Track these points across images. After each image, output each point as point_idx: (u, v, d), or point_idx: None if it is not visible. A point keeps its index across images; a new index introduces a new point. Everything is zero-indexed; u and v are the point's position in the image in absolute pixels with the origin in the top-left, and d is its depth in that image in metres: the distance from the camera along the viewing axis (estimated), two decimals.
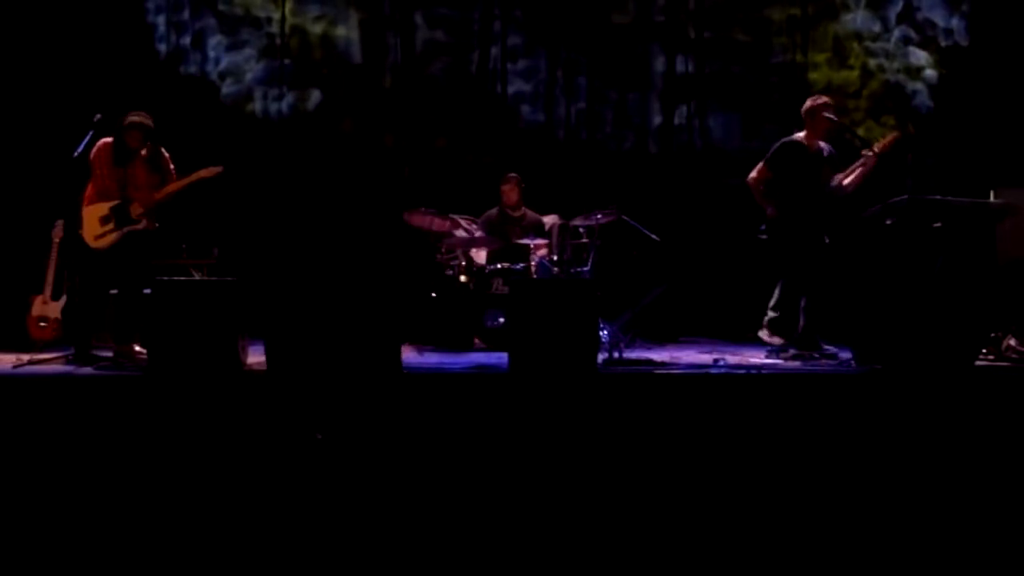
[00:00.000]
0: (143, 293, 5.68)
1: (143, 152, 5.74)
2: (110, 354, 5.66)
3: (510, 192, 7.24)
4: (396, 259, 7.71)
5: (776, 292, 5.92)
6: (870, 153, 5.64)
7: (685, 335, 7.60)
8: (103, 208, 5.67)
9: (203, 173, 5.79)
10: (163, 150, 5.85)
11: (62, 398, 4.59)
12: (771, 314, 5.90)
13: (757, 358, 5.79)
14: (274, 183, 8.10)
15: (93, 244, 5.68)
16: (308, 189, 8.15)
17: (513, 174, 7.30)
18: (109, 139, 5.73)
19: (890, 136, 5.72)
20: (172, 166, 5.86)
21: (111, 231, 5.67)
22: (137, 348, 5.74)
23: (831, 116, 5.72)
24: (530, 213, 7.34)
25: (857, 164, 5.72)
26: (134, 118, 5.70)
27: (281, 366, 4.64)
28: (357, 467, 4.22)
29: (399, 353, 4.88)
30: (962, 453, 4.27)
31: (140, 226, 5.71)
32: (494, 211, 7.30)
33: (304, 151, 8.27)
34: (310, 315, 4.75)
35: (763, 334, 5.92)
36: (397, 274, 7.48)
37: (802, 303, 5.78)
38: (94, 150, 5.68)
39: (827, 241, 5.76)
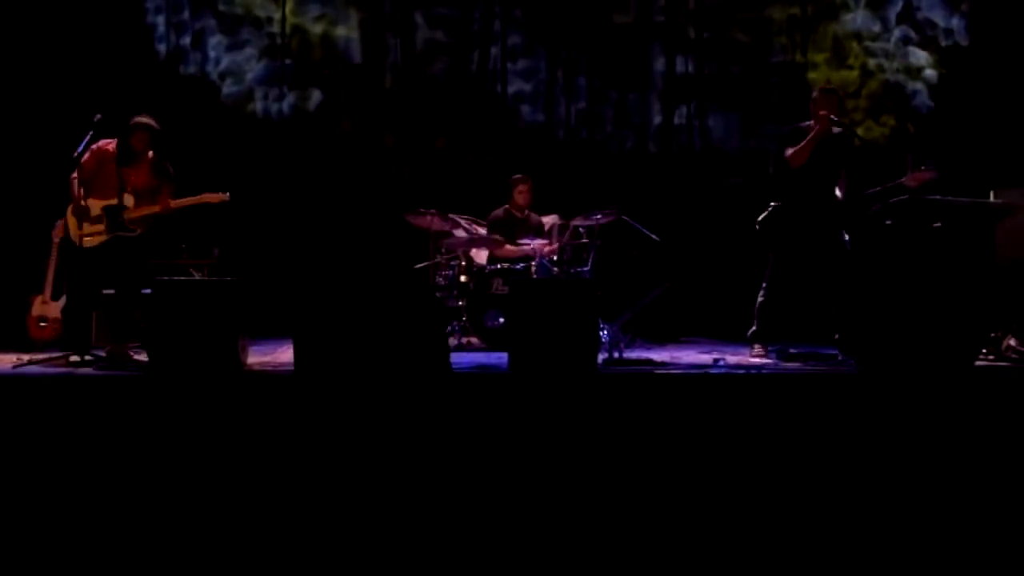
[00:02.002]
0: (140, 294, 5.66)
1: (148, 156, 5.72)
2: (103, 354, 5.64)
3: (527, 194, 7.23)
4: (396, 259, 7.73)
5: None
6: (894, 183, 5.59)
7: (685, 335, 7.59)
8: (95, 206, 5.62)
9: (209, 197, 5.76)
10: (167, 164, 5.81)
11: (62, 398, 4.58)
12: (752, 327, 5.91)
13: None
14: (275, 184, 8.11)
15: (83, 243, 5.58)
16: (309, 189, 8.17)
17: (525, 176, 7.29)
18: (112, 140, 5.69)
19: (923, 175, 5.59)
20: (172, 171, 5.81)
21: (100, 232, 5.61)
22: (131, 350, 5.72)
23: (825, 113, 5.67)
24: (533, 215, 7.34)
25: (882, 188, 5.66)
26: (140, 119, 5.67)
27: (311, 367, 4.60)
28: (357, 467, 4.21)
29: (447, 351, 4.87)
30: (962, 453, 4.27)
31: (133, 233, 5.68)
32: (500, 211, 7.29)
33: (305, 151, 8.28)
34: (339, 316, 4.72)
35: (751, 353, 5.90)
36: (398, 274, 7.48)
37: (758, 300, 5.81)
38: (94, 148, 5.63)
39: (845, 238, 5.72)
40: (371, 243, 7.95)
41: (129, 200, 5.65)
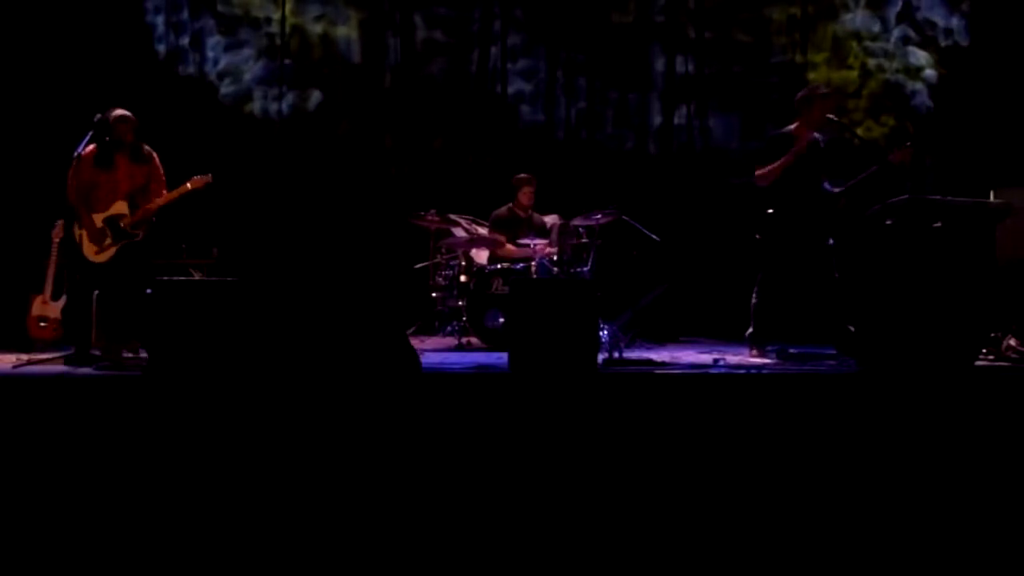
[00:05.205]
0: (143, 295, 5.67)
1: (142, 149, 5.71)
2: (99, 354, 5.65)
3: (531, 194, 7.24)
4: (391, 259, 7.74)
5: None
6: (880, 165, 5.58)
7: (685, 335, 7.60)
8: (97, 221, 5.64)
9: (190, 185, 5.73)
10: (145, 145, 5.77)
11: (61, 398, 4.58)
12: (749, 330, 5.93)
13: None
14: (274, 183, 8.12)
15: (94, 259, 5.64)
16: (308, 189, 8.17)
17: (531, 176, 7.29)
18: (89, 148, 5.65)
19: (906, 151, 5.54)
20: (156, 156, 5.79)
21: (109, 245, 5.64)
22: (127, 352, 5.72)
23: (829, 114, 5.67)
24: (536, 215, 7.35)
25: (867, 173, 5.67)
26: (119, 111, 5.65)
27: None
28: (357, 467, 4.21)
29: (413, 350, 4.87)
30: (962, 453, 4.27)
31: (137, 238, 5.69)
32: (504, 209, 7.30)
33: (304, 151, 8.29)
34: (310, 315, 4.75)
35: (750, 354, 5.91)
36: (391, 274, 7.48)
37: (752, 303, 5.83)
38: (80, 163, 5.60)
39: (830, 242, 5.73)
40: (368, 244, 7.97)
41: (122, 207, 5.66)
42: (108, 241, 5.64)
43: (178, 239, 6.98)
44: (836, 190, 5.75)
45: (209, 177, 5.78)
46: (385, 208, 8.05)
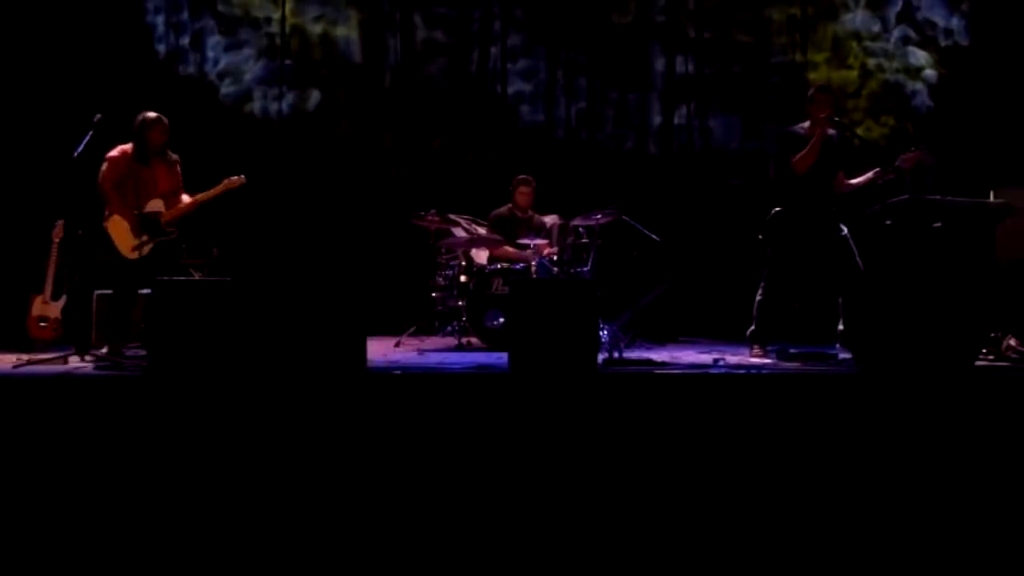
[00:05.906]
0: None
1: (165, 151, 5.75)
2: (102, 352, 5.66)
3: (528, 195, 7.24)
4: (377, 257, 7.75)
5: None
6: (888, 167, 5.57)
7: (685, 335, 7.60)
8: (134, 217, 5.67)
9: (229, 183, 5.80)
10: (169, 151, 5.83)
11: (62, 398, 4.58)
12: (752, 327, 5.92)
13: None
14: (274, 183, 8.11)
15: (129, 255, 5.63)
16: (308, 189, 8.17)
17: (528, 177, 7.29)
18: (126, 146, 5.70)
19: (915, 155, 5.56)
20: (179, 168, 5.85)
21: (147, 241, 5.65)
22: (130, 350, 5.73)
23: (822, 114, 5.66)
24: (536, 216, 7.35)
25: (874, 173, 5.67)
26: (153, 113, 5.71)
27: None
28: (357, 467, 4.21)
29: (363, 350, 4.88)
30: (962, 453, 4.27)
31: (172, 236, 5.74)
32: (504, 209, 7.30)
33: (304, 151, 8.29)
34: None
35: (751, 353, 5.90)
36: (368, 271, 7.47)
37: (757, 300, 5.82)
38: (111, 158, 5.63)
39: (844, 233, 5.72)
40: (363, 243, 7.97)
41: (159, 204, 5.71)
42: (146, 237, 5.65)
43: (178, 239, 6.97)
44: (855, 181, 5.75)
45: (243, 178, 5.84)
46: (385, 208, 8.05)
